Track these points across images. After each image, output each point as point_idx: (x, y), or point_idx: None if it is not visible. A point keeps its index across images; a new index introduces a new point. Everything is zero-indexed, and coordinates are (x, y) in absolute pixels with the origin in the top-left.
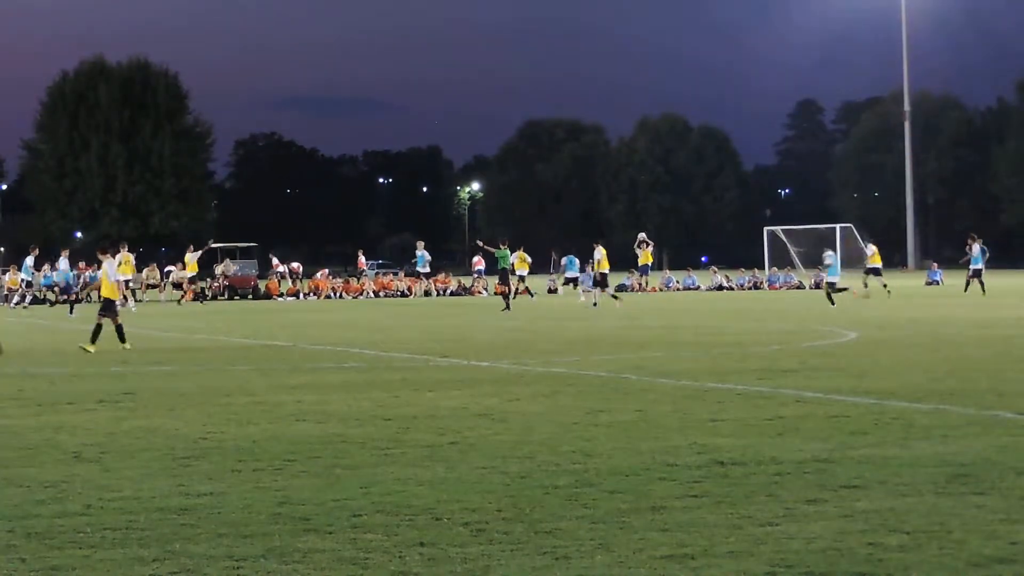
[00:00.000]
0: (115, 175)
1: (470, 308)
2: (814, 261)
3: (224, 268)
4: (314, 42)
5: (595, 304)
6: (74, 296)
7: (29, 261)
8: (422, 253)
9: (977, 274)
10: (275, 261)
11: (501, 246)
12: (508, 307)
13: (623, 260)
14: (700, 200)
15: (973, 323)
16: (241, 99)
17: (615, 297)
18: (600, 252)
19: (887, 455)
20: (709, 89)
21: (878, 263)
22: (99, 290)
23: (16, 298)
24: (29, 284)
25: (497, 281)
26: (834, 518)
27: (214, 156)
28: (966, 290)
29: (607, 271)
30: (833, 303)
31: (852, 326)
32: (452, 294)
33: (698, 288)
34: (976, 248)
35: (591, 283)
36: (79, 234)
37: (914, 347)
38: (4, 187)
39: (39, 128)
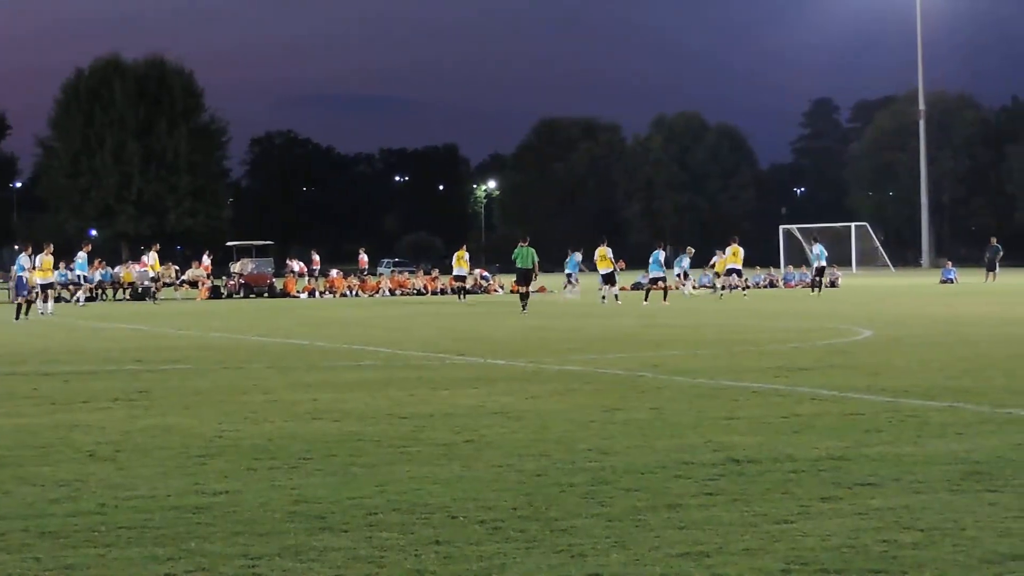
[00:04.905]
0: (130, 173)
1: (486, 306)
2: (829, 260)
3: (240, 267)
4: (330, 39)
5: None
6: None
7: (82, 258)
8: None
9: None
10: (295, 265)
11: (521, 244)
12: (524, 308)
13: (643, 260)
14: (716, 198)
15: (988, 321)
16: (257, 96)
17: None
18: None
19: (901, 453)
20: (725, 87)
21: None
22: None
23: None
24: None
25: (515, 280)
26: (849, 516)
27: (230, 154)
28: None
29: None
30: None
31: (867, 324)
32: (468, 292)
33: (714, 287)
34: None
35: (601, 281)
36: (94, 232)
37: (929, 345)
38: (18, 185)
39: (53, 126)
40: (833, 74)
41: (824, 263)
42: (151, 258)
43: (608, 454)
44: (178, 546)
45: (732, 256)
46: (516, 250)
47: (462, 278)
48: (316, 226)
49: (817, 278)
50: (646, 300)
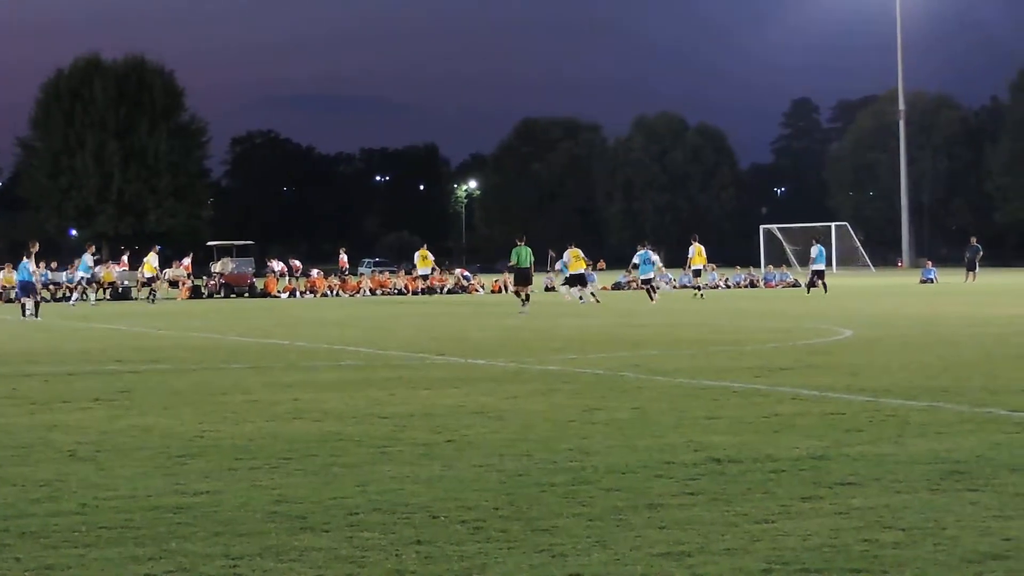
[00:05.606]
0: (111, 173)
1: (467, 306)
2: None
3: (220, 266)
4: (311, 40)
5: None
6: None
7: (88, 259)
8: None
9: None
10: (275, 265)
11: (518, 243)
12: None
13: (622, 259)
14: (696, 199)
15: (967, 321)
16: (238, 96)
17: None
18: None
19: (882, 452)
20: (706, 88)
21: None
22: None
23: (75, 296)
24: (90, 280)
25: (513, 280)
26: (829, 515)
27: (210, 153)
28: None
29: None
30: None
31: (847, 324)
32: (449, 292)
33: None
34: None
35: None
36: (74, 232)
37: (908, 345)
38: None
39: (34, 125)
40: (813, 74)
41: (823, 266)
42: (153, 259)
43: (589, 454)
44: (159, 546)
45: (697, 256)
46: (514, 250)
47: (425, 277)
48: (296, 226)
49: (815, 279)
50: (652, 300)
